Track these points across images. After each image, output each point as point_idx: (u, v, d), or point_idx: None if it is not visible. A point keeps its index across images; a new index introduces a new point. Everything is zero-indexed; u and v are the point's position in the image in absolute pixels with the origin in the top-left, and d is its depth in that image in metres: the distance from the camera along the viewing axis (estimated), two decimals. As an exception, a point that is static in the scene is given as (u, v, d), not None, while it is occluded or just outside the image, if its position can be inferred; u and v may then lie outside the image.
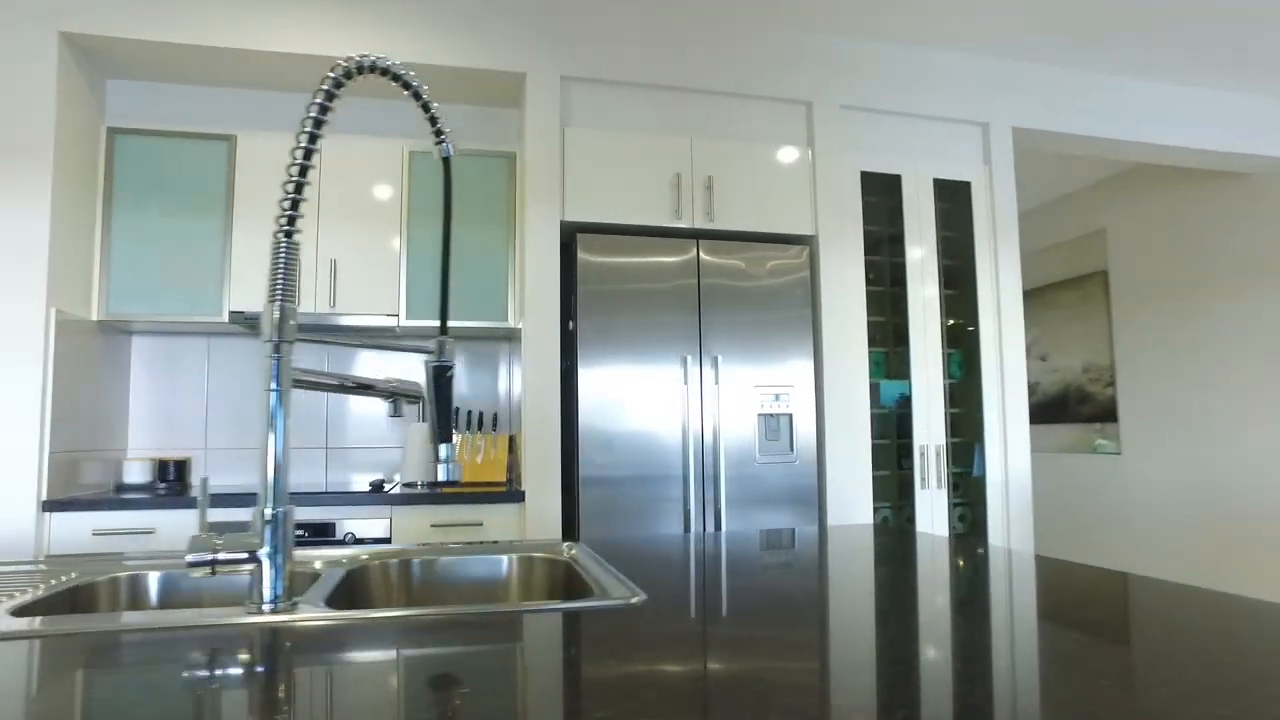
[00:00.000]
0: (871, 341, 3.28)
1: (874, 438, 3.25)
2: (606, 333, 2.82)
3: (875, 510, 3.19)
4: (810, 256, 3.14)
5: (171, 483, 2.95)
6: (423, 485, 3.11)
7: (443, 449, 1.07)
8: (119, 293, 2.78)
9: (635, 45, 3.01)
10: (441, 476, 1.06)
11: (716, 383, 2.91)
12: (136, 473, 2.90)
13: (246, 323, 2.90)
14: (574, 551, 1.32)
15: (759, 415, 2.96)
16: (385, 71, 1.03)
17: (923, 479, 3.16)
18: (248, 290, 2.87)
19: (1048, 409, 5.32)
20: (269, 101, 3.07)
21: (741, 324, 2.96)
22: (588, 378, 2.80)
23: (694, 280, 2.93)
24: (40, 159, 2.51)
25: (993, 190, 3.37)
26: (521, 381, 2.95)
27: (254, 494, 2.60)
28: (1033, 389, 5.46)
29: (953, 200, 3.43)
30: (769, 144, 3.11)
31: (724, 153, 3.06)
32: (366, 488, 2.83)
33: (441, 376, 1.08)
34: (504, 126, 3.28)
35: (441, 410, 1.08)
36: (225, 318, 2.85)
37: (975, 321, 3.32)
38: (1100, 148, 3.67)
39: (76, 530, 2.45)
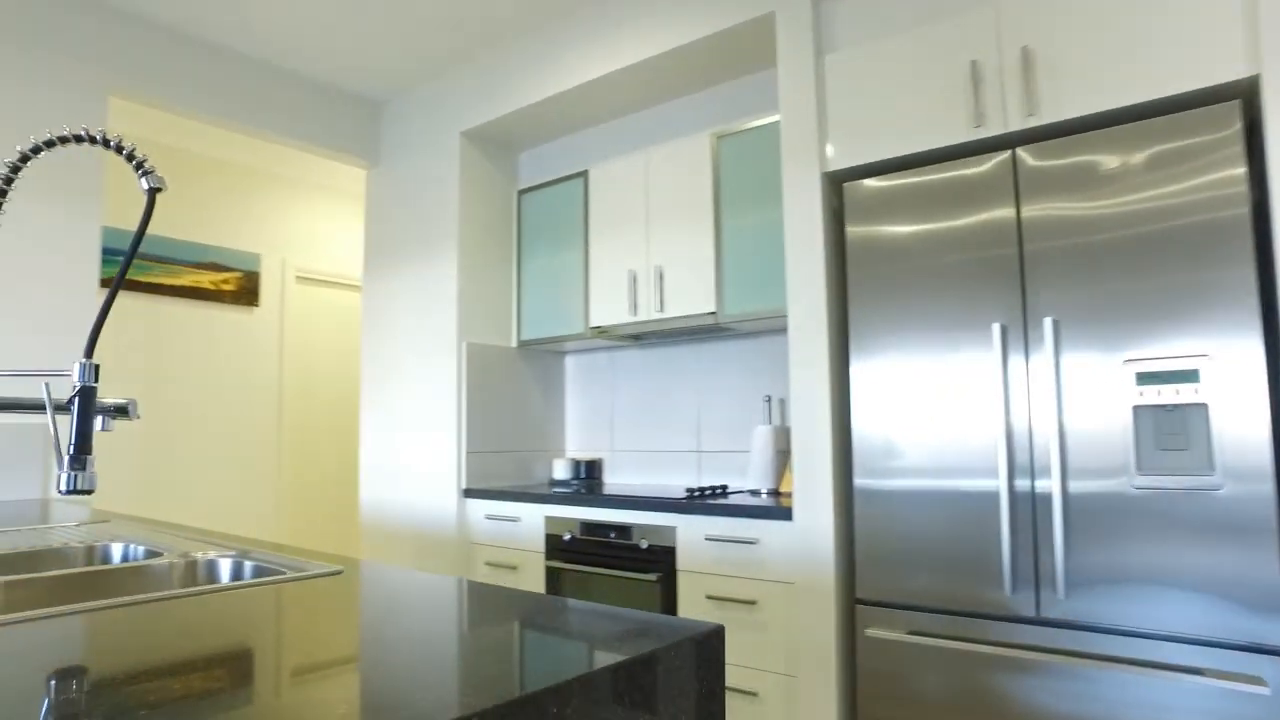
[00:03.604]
0: None
1: None
2: (884, 305, 2.14)
3: None
4: (1245, 118, 1.73)
5: (583, 480, 3.46)
6: (767, 494, 2.88)
7: (67, 460, 1.15)
8: (527, 322, 3.45)
9: (900, -90, 2.21)
10: (63, 487, 1.14)
11: (1055, 361, 1.88)
12: (561, 470, 3.50)
13: (602, 334, 3.21)
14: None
15: (1136, 408, 1.79)
16: (66, 140, 1.20)
17: None
18: (603, 304, 3.18)
19: None
20: (608, 132, 3.36)
21: (1098, 267, 1.84)
22: (863, 367, 2.17)
23: (1010, 209, 1.97)
24: (448, 235, 3.35)
25: None
26: (790, 378, 2.47)
27: (646, 497, 2.88)
28: None
29: None
30: (1141, -45, 1.86)
31: (1049, 4, 1.96)
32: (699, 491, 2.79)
33: (86, 398, 1.17)
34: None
35: (80, 428, 1.16)
36: (587, 332, 3.22)
37: None
38: None
39: (478, 513, 3.16)
